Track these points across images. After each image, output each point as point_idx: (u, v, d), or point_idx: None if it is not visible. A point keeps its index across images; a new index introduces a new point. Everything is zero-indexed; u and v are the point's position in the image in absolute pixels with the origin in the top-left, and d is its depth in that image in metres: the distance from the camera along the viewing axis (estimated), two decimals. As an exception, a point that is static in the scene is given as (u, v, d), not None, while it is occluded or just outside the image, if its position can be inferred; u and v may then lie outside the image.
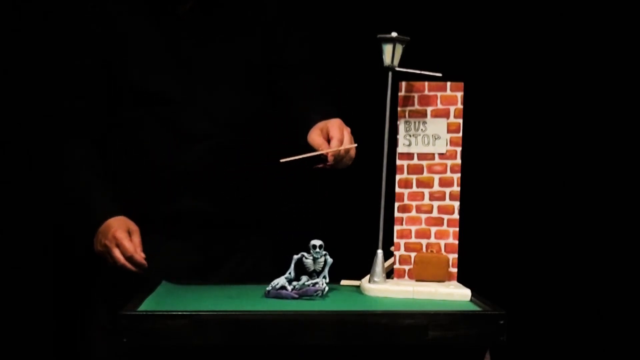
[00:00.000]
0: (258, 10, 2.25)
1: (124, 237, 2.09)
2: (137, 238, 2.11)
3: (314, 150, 1.98)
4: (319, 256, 1.84)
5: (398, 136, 1.90)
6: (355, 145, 2.00)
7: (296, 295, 1.81)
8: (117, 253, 2.09)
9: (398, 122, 1.90)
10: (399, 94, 1.90)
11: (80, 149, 2.23)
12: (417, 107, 1.90)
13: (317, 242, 1.84)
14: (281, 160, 1.90)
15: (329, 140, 1.99)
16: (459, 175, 1.90)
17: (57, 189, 2.39)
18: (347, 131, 2.02)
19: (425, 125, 1.90)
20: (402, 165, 1.91)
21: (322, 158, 1.99)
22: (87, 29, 2.21)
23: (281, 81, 2.29)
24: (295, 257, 1.86)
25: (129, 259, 2.08)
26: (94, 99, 2.23)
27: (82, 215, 2.21)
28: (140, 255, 2.08)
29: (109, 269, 2.27)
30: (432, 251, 1.90)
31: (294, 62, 2.29)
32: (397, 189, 1.91)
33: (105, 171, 2.23)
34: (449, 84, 1.89)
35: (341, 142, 1.98)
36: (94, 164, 2.22)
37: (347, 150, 2.00)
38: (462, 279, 1.90)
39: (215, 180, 2.21)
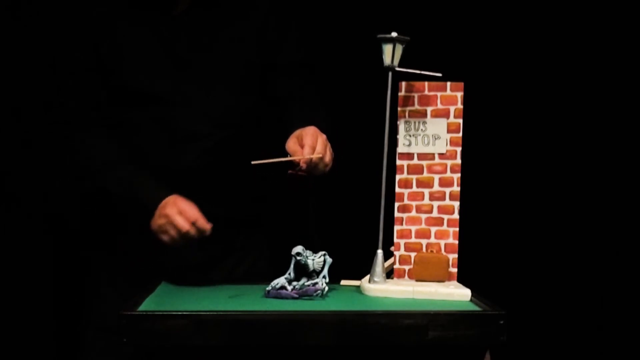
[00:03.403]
0: (253, 10, 2.25)
1: (186, 206, 2.03)
2: (196, 208, 2.06)
3: (290, 157, 2.03)
4: (303, 262, 1.84)
5: (398, 136, 1.90)
6: (320, 155, 2.02)
7: (296, 295, 1.81)
8: (180, 220, 2.01)
9: (398, 122, 1.90)
10: (399, 94, 1.90)
11: (104, 146, 2.19)
12: (417, 107, 1.90)
13: (294, 251, 1.85)
14: (253, 162, 1.92)
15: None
16: (459, 175, 1.90)
17: (93, 189, 2.29)
18: (321, 138, 2.05)
19: (425, 125, 1.90)
20: (402, 165, 1.91)
21: (295, 164, 2.02)
22: (83, 30, 2.20)
23: (274, 82, 2.29)
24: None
25: (193, 224, 2.01)
26: (99, 98, 2.21)
27: (134, 206, 2.13)
28: (203, 220, 2.01)
29: (108, 270, 2.28)
30: (432, 251, 1.90)
31: (287, 63, 2.29)
32: (397, 189, 1.91)
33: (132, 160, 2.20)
34: (449, 84, 1.89)
35: (313, 149, 2.02)
36: (121, 156, 2.19)
37: (321, 158, 2.02)
38: (462, 279, 1.90)
39: (211, 180, 2.21)
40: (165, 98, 2.18)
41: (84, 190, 2.27)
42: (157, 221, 2.05)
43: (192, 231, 2.01)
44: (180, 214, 2.01)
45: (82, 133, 2.20)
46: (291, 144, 2.08)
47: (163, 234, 2.04)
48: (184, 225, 2.00)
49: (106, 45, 2.18)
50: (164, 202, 2.05)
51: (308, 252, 1.86)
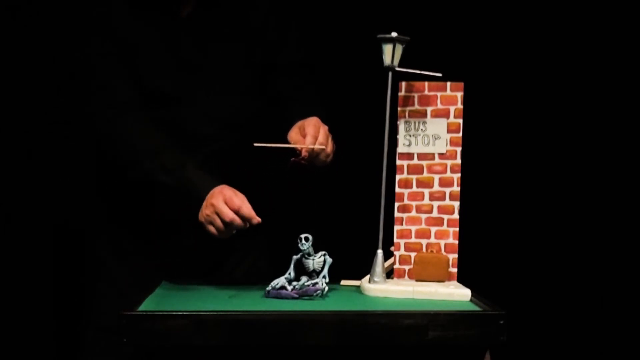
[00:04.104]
0: (253, 10, 2.25)
1: (232, 194, 1.97)
2: (242, 196, 2.00)
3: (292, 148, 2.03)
4: (305, 248, 1.84)
5: (398, 136, 1.90)
6: (321, 144, 2.02)
7: (296, 295, 1.81)
8: (225, 209, 1.95)
9: (398, 122, 1.90)
10: (399, 94, 1.90)
11: (148, 132, 2.13)
12: (417, 107, 1.90)
13: (303, 235, 1.85)
14: (255, 144, 1.92)
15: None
16: (459, 175, 1.90)
17: (138, 178, 2.21)
18: (323, 128, 2.06)
19: (425, 125, 1.90)
20: (402, 165, 1.91)
21: (297, 153, 2.03)
22: (101, 24, 2.19)
23: (274, 82, 2.29)
24: (295, 257, 1.86)
25: (237, 212, 1.95)
26: (133, 83, 2.18)
27: (184, 195, 2.06)
28: (248, 208, 1.95)
29: (108, 269, 2.28)
30: (432, 251, 1.90)
31: (287, 63, 2.29)
32: (397, 189, 1.91)
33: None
34: (449, 84, 1.89)
35: (315, 139, 2.03)
36: (166, 142, 2.12)
37: (323, 148, 2.03)
38: (462, 279, 1.90)
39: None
40: (170, 100, 2.17)
41: (129, 180, 2.18)
42: (204, 211, 1.99)
43: (237, 220, 1.94)
44: (225, 202, 1.95)
45: (124, 117, 2.14)
46: (293, 133, 2.08)
47: (209, 225, 1.98)
48: (228, 214, 1.94)
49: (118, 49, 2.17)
50: (211, 191, 1.99)
51: (310, 249, 1.86)
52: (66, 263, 2.87)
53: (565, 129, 3.02)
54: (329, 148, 2.06)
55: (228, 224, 1.94)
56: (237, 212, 1.93)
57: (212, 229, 1.97)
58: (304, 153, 2.02)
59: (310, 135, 2.03)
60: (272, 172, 2.13)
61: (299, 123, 2.10)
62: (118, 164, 2.17)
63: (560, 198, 3.04)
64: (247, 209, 1.94)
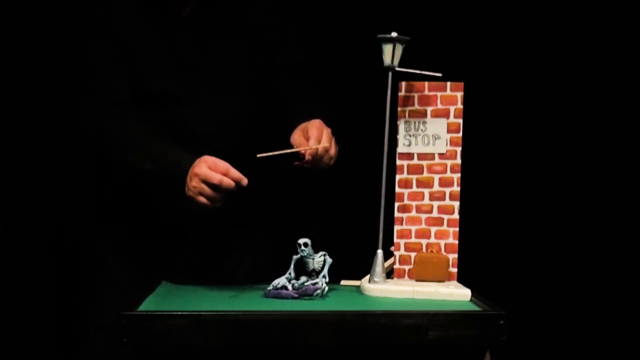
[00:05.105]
0: (253, 10, 2.25)
1: (215, 160, 1.94)
2: (226, 162, 1.96)
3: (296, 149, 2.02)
4: (305, 254, 1.84)
5: (398, 136, 1.90)
6: (325, 146, 2.01)
7: (296, 295, 1.81)
8: (211, 173, 1.91)
9: (398, 122, 1.90)
10: (399, 94, 1.90)
11: (138, 126, 2.12)
12: (417, 107, 1.90)
13: (302, 241, 1.85)
14: (258, 155, 1.91)
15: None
16: (459, 175, 1.90)
17: (129, 169, 2.18)
18: (326, 131, 2.05)
19: (425, 125, 1.90)
20: (402, 165, 1.91)
21: (300, 156, 2.02)
22: (101, 25, 2.19)
23: (274, 82, 2.29)
24: (295, 257, 1.86)
25: (225, 175, 1.91)
26: (129, 82, 2.18)
27: (169, 174, 2.03)
28: (235, 170, 1.91)
29: (109, 269, 2.28)
30: (432, 251, 1.90)
31: (287, 63, 2.29)
32: (397, 189, 1.91)
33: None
34: (449, 84, 1.89)
35: (319, 142, 2.02)
36: (154, 134, 2.12)
37: (326, 150, 2.02)
38: (462, 279, 1.90)
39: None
40: (170, 100, 2.17)
41: (124, 174, 2.17)
42: (190, 184, 1.95)
43: (226, 181, 1.90)
44: (210, 168, 1.92)
45: (124, 117, 2.14)
46: (296, 136, 2.08)
47: (199, 196, 1.94)
48: (214, 176, 1.90)
49: (118, 49, 2.17)
50: (192, 164, 1.96)
51: (310, 250, 1.86)
52: (66, 263, 2.87)
53: (565, 129, 3.02)
54: (333, 150, 2.06)
55: (217, 187, 1.91)
56: (224, 175, 1.91)
57: (202, 199, 1.94)
58: (307, 157, 2.01)
59: (314, 138, 2.02)
60: (272, 172, 2.13)
61: (302, 125, 2.10)
62: (118, 165, 2.18)
63: (560, 198, 3.04)
64: (234, 171, 1.91)
